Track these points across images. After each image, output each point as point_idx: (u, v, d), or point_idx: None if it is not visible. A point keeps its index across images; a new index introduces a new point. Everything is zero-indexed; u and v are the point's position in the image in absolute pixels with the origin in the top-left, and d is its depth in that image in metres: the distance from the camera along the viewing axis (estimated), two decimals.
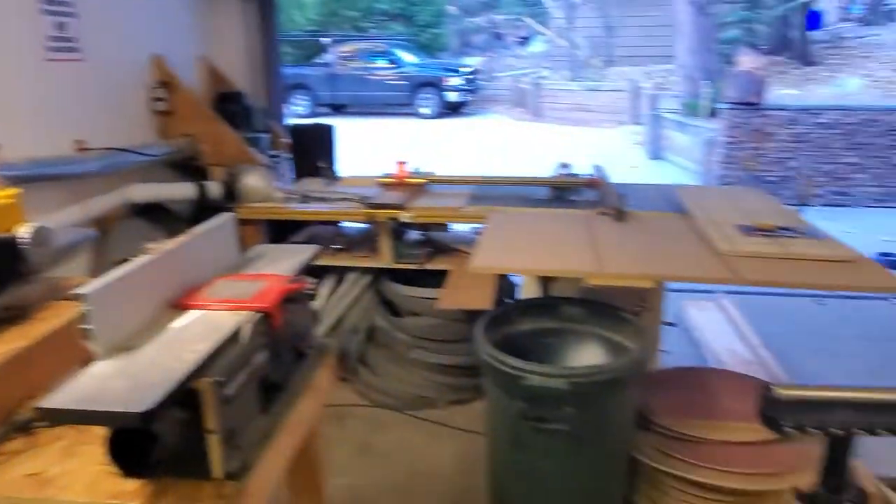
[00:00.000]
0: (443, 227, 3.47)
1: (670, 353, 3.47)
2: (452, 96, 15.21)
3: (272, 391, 1.23)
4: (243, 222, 2.89)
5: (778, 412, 1.38)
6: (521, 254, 2.13)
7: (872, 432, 1.36)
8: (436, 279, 2.88)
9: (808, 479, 1.90)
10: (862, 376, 3.25)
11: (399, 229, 3.17)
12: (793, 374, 3.05)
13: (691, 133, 8.91)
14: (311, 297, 1.46)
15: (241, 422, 1.10)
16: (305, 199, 3.04)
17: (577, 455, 1.81)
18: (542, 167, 3.24)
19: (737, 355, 3.24)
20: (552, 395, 1.71)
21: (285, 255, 1.51)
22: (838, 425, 1.36)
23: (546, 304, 2.22)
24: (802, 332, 3.80)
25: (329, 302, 3.12)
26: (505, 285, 3.05)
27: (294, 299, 1.31)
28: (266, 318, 1.21)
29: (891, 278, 1.92)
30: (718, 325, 3.63)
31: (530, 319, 2.21)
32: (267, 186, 2.97)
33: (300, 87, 15.41)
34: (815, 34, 15.18)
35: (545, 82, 16.03)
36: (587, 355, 2.14)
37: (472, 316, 2.88)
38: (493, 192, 3.12)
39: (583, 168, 3.23)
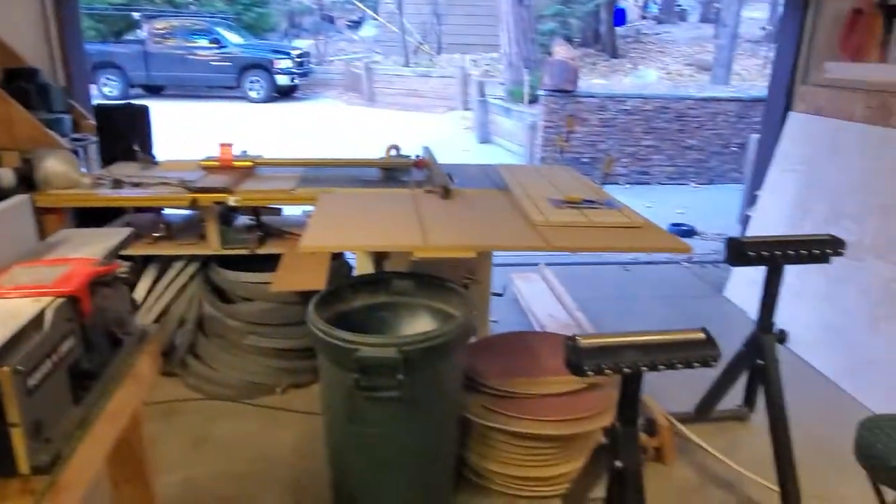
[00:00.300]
0: (276, 211, 3.40)
1: (500, 322, 3.73)
2: (283, 80, 14.70)
3: (86, 380, 1.17)
4: (45, 210, 2.63)
5: (580, 359, 1.56)
6: (351, 232, 2.17)
7: (655, 368, 1.60)
8: (269, 264, 2.83)
9: (613, 420, 2.16)
10: (654, 326, 3.73)
11: (227, 214, 3.06)
12: (602, 329, 3.41)
13: (515, 118, 9.47)
14: (127, 281, 1.38)
15: (49, 413, 1.03)
16: (118, 184, 2.82)
17: (411, 420, 1.90)
18: (376, 150, 3.29)
19: (556, 319, 3.55)
20: (384, 365, 1.78)
21: (94, 240, 1.42)
22: (628, 364, 1.58)
23: (378, 280, 2.28)
24: (612, 295, 4.25)
25: (152, 293, 2.93)
26: (341, 267, 3.08)
27: (106, 283, 1.24)
28: (73, 303, 1.13)
29: (670, 239, 2.23)
30: (541, 293, 3.95)
31: (363, 296, 2.26)
32: (70, 171, 2.71)
33: (109, 65, 14.02)
34: (620, 29, 16.78)
35: (378, 67, 16.07)
36: (418, 325, 2.24)
37: (306, 298, 2.85)
38: (323, 175, 3.12)
39: (413, 150, 3.34)
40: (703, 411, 2.74)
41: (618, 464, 1.71)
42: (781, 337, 2.30)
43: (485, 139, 10.62)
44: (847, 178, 3.33)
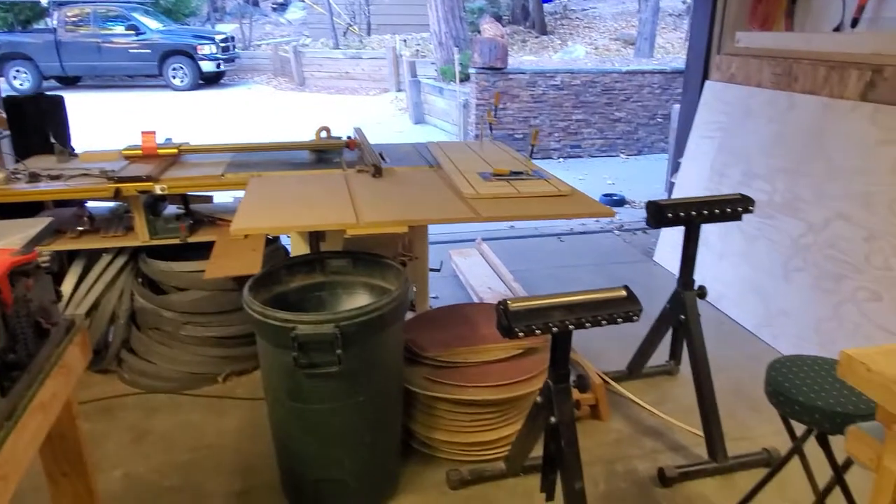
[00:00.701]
0: (206, 198, 3.34)
1: (440, 298, 3.79)
2: (208, 66, 14.22)
3: (12, 371, 1.15)
4: None
5: (510, 321, 1.63)
6: (282, 213, 2.17)
7: (581, 325, 1.68)
8: (201, 252, 2.79)
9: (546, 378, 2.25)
10: None
11: (154, 204, 2.98)
12: None
13: (448, 97, 9.49)
14: (50, 271, 1.35)
15: None
16: (35, 178, 2.70)
17: (352, 394, 1.94)
18: (308, 135, 3.26)
19: (494, 291, 3.64)
20: (322, 341, 1.80)
21: (11, 231, 1.38)
22: (556, 323, 1.66)
23: (313, 261, 2.29)
24: (548, 265, 4.37)
25: (80, 288, 2.84)
26: (277, 251, 3.06)
27: (27, 273, 1.22)
28: None
29: (595, 204, 2.32)
30: (478, 267, 4.03)
31: (299, 277, 2.27)
32: None
33: (19, 57, 13.23)
34: (548, 6, 16.96)
35: (307, 50, 15.74)
36: (356, 303, 2.27)
37: (242, 284, 2.84)
38: (253, 159, 3.07)
39: (347, 133, 3.33)
40: (635, 369, 2.89)
41: (553, 420, 1.80)
42: (701, 292, 2.44)
43: (419, 120, 10.61)
44: (758, 141, 3.53)
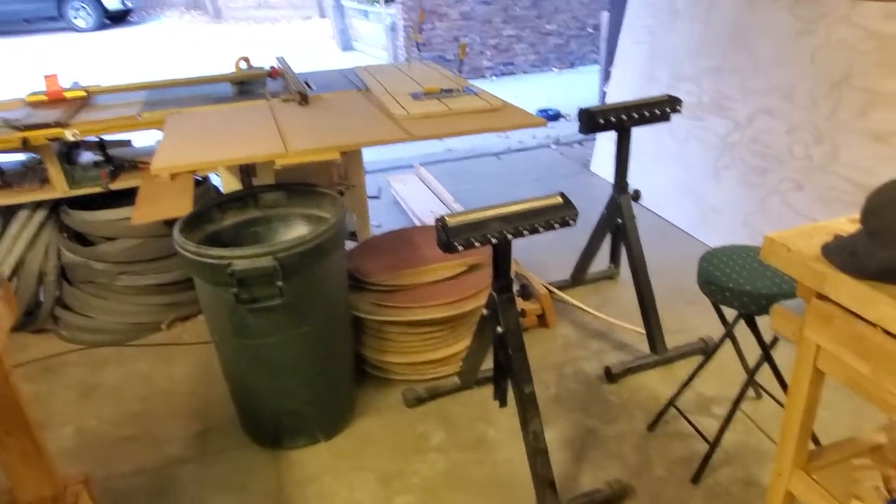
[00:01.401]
0: (125, 143, 3.16)
1: (382, 226, 3.77)
2: (112, 3, 13.18)
3: None
4: None
5: (449, 236, 1.64)
6: (206, 149, 2.07)
7: (520, 234, 1.70)
8: (127, 199, 2.66)
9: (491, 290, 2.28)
10: None
11: (69, 152, 2.81)
12: None
13: (374, 20, 9.12)
14: None
15: None
16: None
17: (298, 325, 1.93)
18: (228, 69, 3.08)
19: (436, 214, 3.62)
20: (261, 274, 1.77)
21: None
22: (494, 234, 1.67)
23: (245, 196, 2.22)
24: (488, 184, 4.38)
25: None
26: (207, 191, 2.94)
27: None
28: None
29: (526, 115, 2.30)
30: (419, 192, 4.00)
31: (232, 213, 2.21)
32: None
33: None
34: None
35: None
36: (295, 234, 2.23)
37: None
38: (169, 97, 2.90)
39: (266, 62, 3.17)
40: (578, 276, 2.97)
41: (499, 329, 1.85)
42: (636, 195, 2.50)
43: (347, 47, 10.20)
44: (685, 44, 3.55)
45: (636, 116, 2.30)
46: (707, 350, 2.51)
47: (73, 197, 2.73)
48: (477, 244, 1.66)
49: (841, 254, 1.30)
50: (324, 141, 2.06)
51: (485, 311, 1.93)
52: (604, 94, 4.95)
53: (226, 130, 2.26)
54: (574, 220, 1.74)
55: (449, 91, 2.55)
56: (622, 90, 4.09)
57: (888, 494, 1.56)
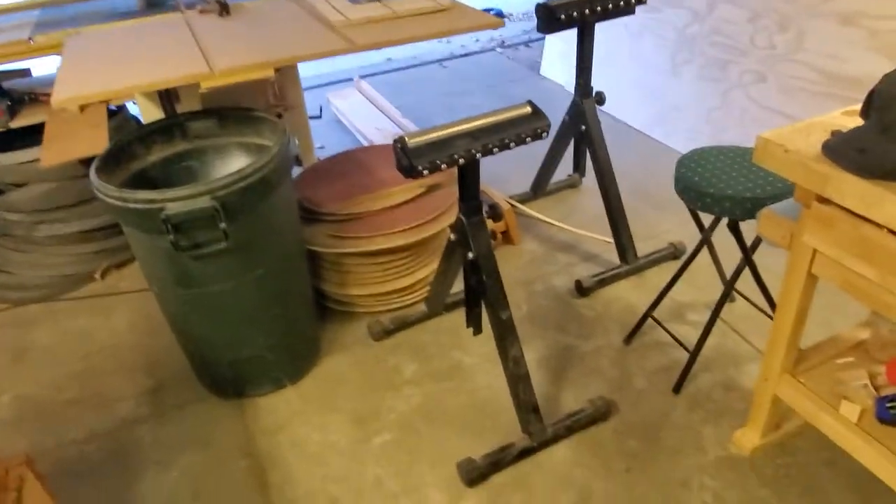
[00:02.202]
0: (21, 73, 2.77)
1: (326, 148, 3.51)
2: None
3: None
4: None
5: (411, 160, 1.45)
6: (117, 74, 1.78)
7: (489, 151, 1.53)
8: (33, 138, 2.34)
9: (455, 218, 2.14)
10: None
11: None
12: None
13: None
14: None
15: None
16: None
17: (249, 268, 1.74)
18: None
19: (383, 131, 3.39)
20: (200, 217, 1.55)
21: None
22: (462, 154, 1.49)
23: (172, 126, 1.95)
24: (434, 94, 4.12)
25: None
26: (125, 124, 2.62)
27: None
28: None
29: (480, 16, 2.07)
30: (361, 107, 3.72)
31: (158, 148, 1.94)
32: None
33: None
34: None
35: None
36: (233, 166, 1.99)
37: None
38: (66, 15, 2.51)
39: None
40: (540, 187, 2.84)
41: (470, 255, 1.71)
42: (600, 99, 2.34)
43: None
44: None
45: (599, 10, 2.10)
46: (678, 255, 2.46)
47: None
48: (443, 166, 1.48)
49: (846, 152, 1.19)
50: (255, 57, 1.80)
51: (452, 236, 1.78)
52: None
53: (137, 51, 1.95)
54: (547, 132, 1.58)
55: None
56: None
57: (875, 392, 1.55)
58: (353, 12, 2.09)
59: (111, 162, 1.77)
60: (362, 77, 4.17)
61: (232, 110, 1.96)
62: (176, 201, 1.53)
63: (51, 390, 2.13)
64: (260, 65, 1.76)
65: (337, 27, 2.01)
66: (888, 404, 1.47)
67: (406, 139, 1.47)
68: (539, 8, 2.08)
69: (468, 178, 1.62)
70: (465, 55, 4.77)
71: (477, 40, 5.01)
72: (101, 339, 2.32)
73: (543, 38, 4.55)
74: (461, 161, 1.50)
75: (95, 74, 1.78)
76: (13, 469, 1.48)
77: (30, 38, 2.25)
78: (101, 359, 2.24)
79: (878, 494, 1.61)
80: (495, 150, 1.54)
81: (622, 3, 2.11)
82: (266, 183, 1.65)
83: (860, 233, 1.20)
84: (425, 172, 1.46)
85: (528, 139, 1.56)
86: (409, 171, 1.47)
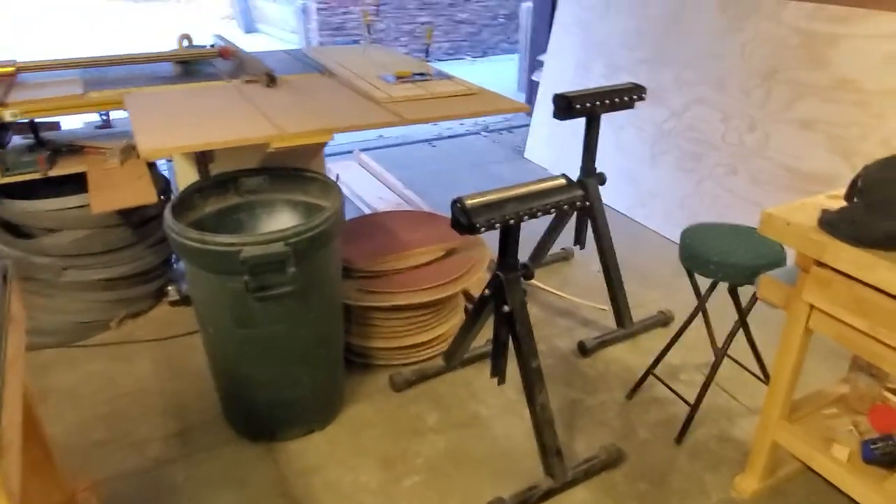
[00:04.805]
0: (53, 125, 2.90)
1: None
2: None
3: None
4: None
5: (471, 218, 1.67)
6: (193, 129, 1.95)
7: (534, 215, 1.76)
8: (64, 187, 2.46)
9: (475, 279, 2.36)
10: (473, 192, 4.01)
11: None
12: (431, 202, 3.57)
13: (282, 1, 8.80)
14: None
15: None
16: None
17: (304, 313, 1.88)
18: (126, 48, 2.88)
19: (386, 200, 3.62)
20: (272, 261, 1.71)
21: None
22: (512, 215, 1.72)
23: (226, 181, 2.12)
24: (426, 170, 4.40)
25: None
26: (160, 180, 2.76)
27: None
28: None
29: (507, 101, 2.36)
30: (363, 178, 3.96)
31: (214, 200, 2.10)
32: None
33: None
34: None
35: None
36: (280, 221, 2.16)
37: (128, 219, 2.57)
38: (109, 76, 2.69)
39: (164, 46, 2.99)
40: (537, 259, 3.08)
41: (506, 308, 1.90)
42: (601, 179, 2.63)
43: (250, 28, 9.77)
44: (619, 35, 3.75)
45: (608, 103, 2.42)
46: (667, 322, 2.71)
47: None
48: (497, 225, 1.70)
49: (840, 225, 1.47)
50: (316, 123, 2.01)
51: (486, 291, 1.98)
52: (531, 83, 5.12)
53: (200, 112, 2.14)
54: (581, 202, 1.82)
55: (422, 75, 2.55)
56: (556, 78, 4.25)
57: (860, 435, 1.79)
58: (394, 91, 2.35)
59: (177, 209, 1.92)
60: (362, 150, 4.43)
61: (284, 170, 2.15)
62: (254, 245, 1.68)
63: (77, 432, 2.15)
64: (322, 130, 1.97)
65: (382, 102, 2.26)
66: (872, 446, 1.70)
67: (465, 200, 1.69)
68: (557, 98, 2.39)
69: (510, 239, 1.84)
70: (452, 136, 5.13)
71: (462, 123, 5.39)
72: (125, 384, 2.37)
73: (524, 125, 4.96)
74: (511, 221, 1.73)
75: (170, 128, 1.95)
76: (80, 493, 1.54)
77: (84, 94, 2.40)
78: (126, 402, 2.28)
79: None
80: (539, 213, 1.77)
81: (626, 99, 2.45)
82: (327, 234, 1.83)
83: (854, 292, 1.47)
84: (482, 230, 1.68)
85: (566, 206, 1.81)
86: (468, 228, 1.68)
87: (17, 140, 2.64)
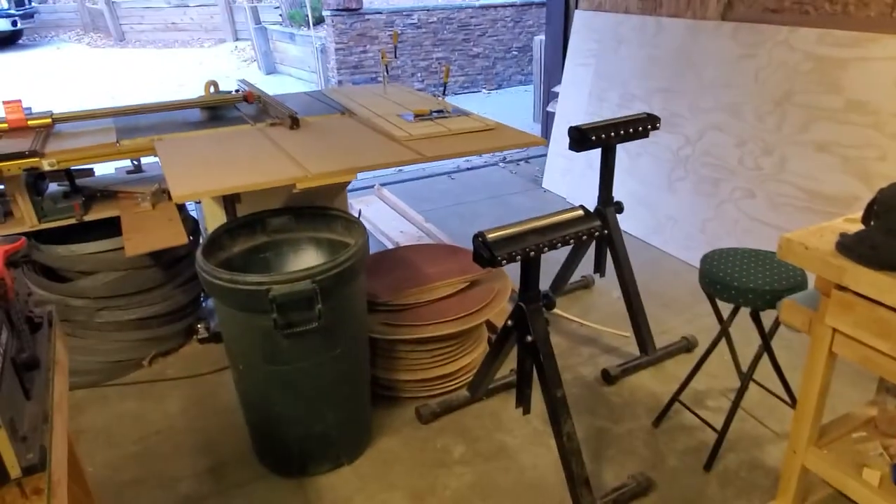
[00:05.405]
0: (88, 172, 3.01)
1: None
2: (1, 24, 12.32)
3: (28, 370, 1.03)
4: None
5: (492, 251, 1.71)
6: (222, 173, 2.03)
7: (554, 246, 1.80)
8: (100, 231, 2.55)
9: (497, 310, 2.39)
10: (493, 223, 4.05)
11: (35, 183, 2.65)
12: (452, 235, 3.63)
13: (301, 43, 9.06)
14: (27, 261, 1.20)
15: (13, 411, 0.92)
16: None
17: (331, 348, 1.93)
18: (152, 95, 3.01)
19: (407, 234, 3.68)
20: (299, 298, 1.76)
21: None
22: (532, 247, 1.76)
23: (254, 221, 2.19)
24: (446, 203, 4.47)
25: None
26: (188, 222, 2.85)
27: (15, 263, 1.08)
28: None
29: (524, 135, 2.42)
30: (383, 212, 4.03)
31: (242, 240, 2.17)
32: None
33: None
34: None
35: (122, 1, 14.11)
36: (306, 259, 2.22)
37: (158, 260, 2.65)
38: (139, 123, 2.80)
39: (196, 90, 3.10)
40: (558, 288, 3.10)
41: (529, 338, 1.93)
42: (619, 207, 2.66)
43: (270, 70, 10.05)
44: (632, 65, 3.81)
45: (622, 133, 2.47)
46: (690, 348, 2.71)
47: (36, 231, 2.57)
48: (518, 258, 1.74)
49: (858, 249, 1.48)
50: (341, 164, 2.08)
51: (509, 322, 2.01)
52: (546, 114, 5.19)
53: (228, 155, 2.23)
54: (599, 231, 1.86)
55: (440, 112, 2.62)
56: (571, 109, 4.32)
57: (890, 459, 1.76)
58: (413, 129, 2.42)
59: (208, 250, 1.99)
60: (382, 184, 4.51)
61: (308, 209, 2.22)
62: (281, 284, 1.74)
63: (109, 471, 2.20)
64: (346, 170, 2.04)
65: (402, 141, 2.32)
66: None
67: (486, 234, 1.74)
68: (572, 130, 2.45)
69: (531, 271, 1.88)
70: (471, 168, 5.20)
71: (480, 156, 5.47)
72: (155, 422, 2.42)
73: (542, 155, 5.02)
74: (531, 254, 1.77)
75: (201, 173, 2.03)
76: None
77: (117, 142, 2.51)
78: (158, 440, 2.33)
79: None
80: (558, 245, 1.81)
81: (640, 129, 2.49)
82: (352, 271, 1.88)
83: (875, 314, 1.48)
84: (503, 262, 1.72)
85: (584, 237, 1.84)
86: (490, 262, 1.72)
87: (52, 186, 2.75)
